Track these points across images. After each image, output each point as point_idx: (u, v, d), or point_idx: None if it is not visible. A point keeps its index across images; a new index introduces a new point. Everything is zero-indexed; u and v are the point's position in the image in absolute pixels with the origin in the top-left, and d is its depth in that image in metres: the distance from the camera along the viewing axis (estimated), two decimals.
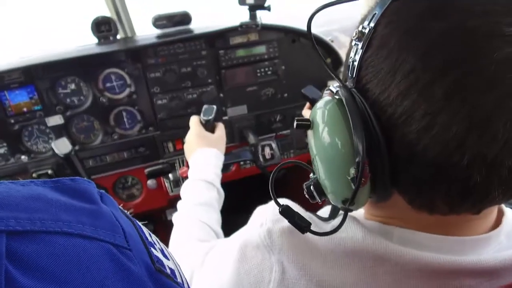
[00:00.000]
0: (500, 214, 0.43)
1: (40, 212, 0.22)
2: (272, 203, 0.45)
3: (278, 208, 0.41)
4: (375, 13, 0.36)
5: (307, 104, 1.07)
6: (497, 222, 0.42)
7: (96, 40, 1.31)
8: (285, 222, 0.42)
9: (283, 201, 0.47)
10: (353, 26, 0.40)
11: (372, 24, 0.36)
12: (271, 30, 1.33)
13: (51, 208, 0.22)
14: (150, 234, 0.30)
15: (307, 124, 0.40)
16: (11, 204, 0.21)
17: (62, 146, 1.06)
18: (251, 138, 1.33)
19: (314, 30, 0.41)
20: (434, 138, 0.32)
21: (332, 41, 1.51)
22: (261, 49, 1.34)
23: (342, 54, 1.46)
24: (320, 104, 0.40)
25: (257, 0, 1.20)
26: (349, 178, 0.36)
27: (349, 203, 0.37)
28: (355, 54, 0.37)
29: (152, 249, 0.28)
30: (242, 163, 1.41)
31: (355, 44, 0.37)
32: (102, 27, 1.29)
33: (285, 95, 1.42)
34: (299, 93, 1.10)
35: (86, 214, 0.24)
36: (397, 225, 0.42)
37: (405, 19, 0.34)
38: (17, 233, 0.20)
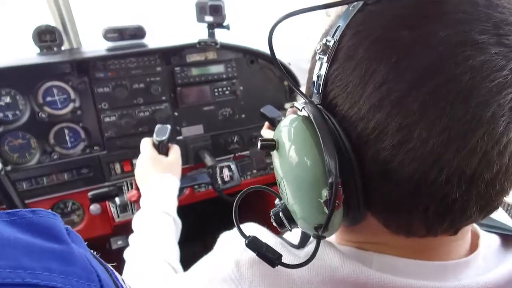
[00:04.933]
0: (476, 237, 0.41)
1: None
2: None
3: (244, 240, 0.36)
4: (339, 25, 0.34)
5: (266, 124, 1.04)
6: (474, 245, 0.40)
7: (38, 50, 1.20)
8: None
9: (249, 227, 0.42)
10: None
11: (337, 36, 0.33)
12: (229, 49, 1.30)
13: (9, 251, 0.17)
14: (123, 280, 0.24)
15: (272, 145, 0.36)
16: None
17: None
18: (208, 160, 1.26)
19: (279, 56, 0.38)
20: (410, 154, 0.29)
21: (289, 64, 1.52)
22: (219, 68, 1.31)
23: (302, 80, 1.47)
24: (284, 122, 0.37)
25: (216, 18, 1.18)
26: (321, 201, 0.32)
27: (323, 229, 0.33)
28: (319, 69, 0.35)
29: None
30: (196, 186, 1.33)
31: (319, 58, 0.35)
32: (45, 37, 1.19)
33: (243, 115, 1.38)
34: (257, 114, 1.07)
35: (54, 258, 0.18)
36: (373, 251, 0.38)
37: (372, 29, 0.32)
38: None
